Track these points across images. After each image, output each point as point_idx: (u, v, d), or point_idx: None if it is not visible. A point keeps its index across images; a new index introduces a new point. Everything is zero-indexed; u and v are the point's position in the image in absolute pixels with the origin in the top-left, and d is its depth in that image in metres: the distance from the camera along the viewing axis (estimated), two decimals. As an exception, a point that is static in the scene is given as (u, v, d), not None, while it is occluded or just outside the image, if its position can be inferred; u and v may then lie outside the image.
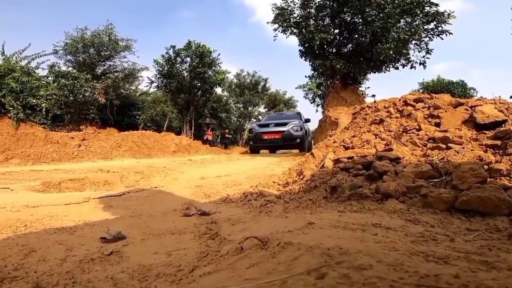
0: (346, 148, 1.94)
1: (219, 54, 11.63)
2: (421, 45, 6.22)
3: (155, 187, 1.73)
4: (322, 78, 8.25)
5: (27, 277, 0.55)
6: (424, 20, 5.94)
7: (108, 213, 1.17)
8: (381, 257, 0.45)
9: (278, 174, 2.08)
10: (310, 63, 7.36)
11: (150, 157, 5.78)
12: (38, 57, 6.84)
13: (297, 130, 7.44)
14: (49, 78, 7.02)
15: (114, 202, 1.35)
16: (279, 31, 6.79)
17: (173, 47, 10.94)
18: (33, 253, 0.69)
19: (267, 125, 7.90)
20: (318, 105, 15.18)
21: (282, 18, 6.58)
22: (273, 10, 6.70)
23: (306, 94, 18.01)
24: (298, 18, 6.53)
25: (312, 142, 8.87)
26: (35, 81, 6.10)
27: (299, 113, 9.63)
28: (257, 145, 7.84)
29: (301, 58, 7.26)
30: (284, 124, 7.69)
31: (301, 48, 7.07)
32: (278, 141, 7.54)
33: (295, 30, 6.63)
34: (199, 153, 7.00)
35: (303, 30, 6.43)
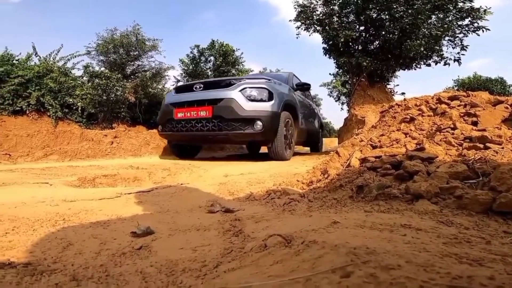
0: (374, 147, 1.88)
1: (242, 53, 11.68)
2: (455, 41, 5.86)
3: (181, 184, 1.78)
4: (348, 76, 7.96)
5: (64, 269, 0.58)
6: (458, 16, 5.59)
7: (137, 208, 1.22)
8: (410, 257, 0.43)
9: (302, 172, 2.06)
10: (335, 61, 7.16)
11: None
12: (73, 58, 7.29)
13: (255, 99, 3.40)
14: (84, 78, 7.46)
15: (143, 197, 1.40)
16: (302, 29, 6.69)
17: (197, 46, 11.17)
18: (70, 247, 0.73)
19: (189, 88, 3.81)
20: (343, 103, 14.80)
21: (304, 15, 6.48)
22: (295, 8, 6.63)
23: (331, 92, 17.66)
24: (321, 15, 6.40)
25: (323, 139, 7.40)
26: (71, 81, 6.51)
27: (290, 75, 5.05)
28: (166, 133, 3.83)
29: (325, 55, 7.09)
30: (226, 85, 3.55)
31: (325, 45, 6.91)
32: (204, 125, 3.40)
33: (318, 28, 6.50)
34: (223, 151, 7.09)
35: (326, 27, 6.29)
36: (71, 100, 6.31)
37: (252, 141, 4.40)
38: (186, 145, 4.44)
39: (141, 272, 0.60)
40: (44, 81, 6.04)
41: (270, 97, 3.53)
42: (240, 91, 3.45)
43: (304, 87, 4.94)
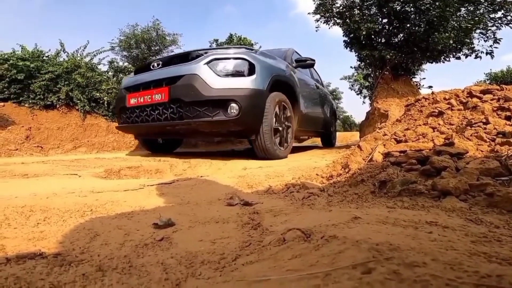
0: (398, 142, 1.81)
1: (260, 47, 11.63)
2: (487, 34, 5.50)
3: (201, 176, 1.81)
4: (370, 69, 7.67)
5: (91, 260, 0.60)
6: (490, 9, 5.24)
7: (159, 200, 1.26)
8: (436, 255, 0.41)
9: (322, 166, 2.03)
10: (356, 54, 6.92)
11: (196, 147, 6.05)
12: (99, 54, 7.58)
13: (229, 74, 2.53)
14: (109, 73, 7.73)
15: (164, 189, 1.44)
16: (321, 22, 6.51)
17: (216, 40, 11.23)
18: (97, 237, 0.76)
19: (147, 67, 3.03)
20: (365, 97, 14.38)
21: (324, 8, 6.30)
22: (314, 0, 6.45)
23: (352, 86, 17.19)
24: (341, 8, 6.19)
25: (336, 132, 6.68)
26: (97, 76, 6.78)
27: (289, 51, 4.12)
28: (121, 125, 3.14)
29: (346, 48, 6.87)
30: (190, 59, 2.72)
31: (346, 38, 6.70)
32: (161, 113, 2.67)
33: (338, 21, 6.30)
34: (242, 144, 7.12)
35: (347, 20, 6.08)
36: (97, 94, 6.58)
37: (228, 133, 2.90)
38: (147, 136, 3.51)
39: (162, 263, 0.61)
40: (72, 76, 6.33)
41: (251, 71, 2.53)
42: (208, 63, 2.51)
43: (306, 63, 3.83)
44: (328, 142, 5.99)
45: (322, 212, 0.97)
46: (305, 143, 7.54)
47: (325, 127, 5.29)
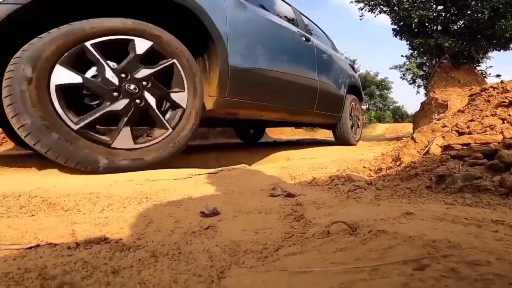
0: (460, 134, 1.64)
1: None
2: None
3: (245, 167, 1.84)
4: (424, 58, 6.99)
5: (146, 246, 0.65)
6: None
7: (206, 189, 1.31)
8: (503, 254, 0.36)
9: (369, 159, 1.92)
10: (408, 42, 6.36)
11: (237, 138, 6.17)
12: None
13: None
14: None
15: (210, 179, 1.49)
16: (365, 10, 6.10)
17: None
18: (151, 224, 0.81)
19: None
20: (419, 86, 13.19)
21: (367, -5, 5.89)
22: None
23: (404, 75, 15.87)
24: (387, -5, 5.73)
25: (354, 127, 3.95)
26: None
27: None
28: None
29: (395, 37, 6.36)
30: None
31: (395, 26, 6.18)
32: None
33: (385, 8, 5.83)
34: (283, 134, 7.07)
35: (395, 8, 5.60)
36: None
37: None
38: None
39: (208, 251, 0.64)
40: None
41: None
42: None
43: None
44: (340, 136, 3.78)
45: (370, 206, 0.92)
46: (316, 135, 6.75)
47: (329, 108, 3.37)
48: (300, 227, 0.78)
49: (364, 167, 1.67)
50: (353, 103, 4.02)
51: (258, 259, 0.59)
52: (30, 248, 0.60)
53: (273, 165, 1.94)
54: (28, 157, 2.16)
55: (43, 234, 0.69)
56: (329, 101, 3.38)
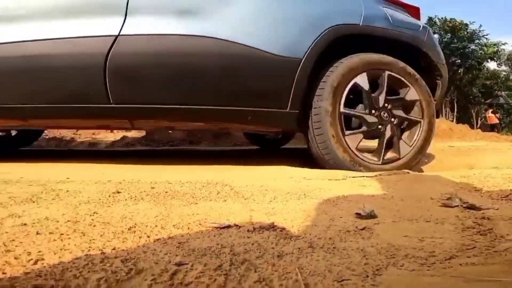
0: None
1: (480, 25, 8.79)
2: None
3: (408, 172, 1.65)
4: None
5: (304, 237, 0.73)
6: None
7: (361, 191, 1.29)
8: None
9: None
10: None
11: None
12: None
13: None
14: None
15: (367, 182, 1.45)
16: None
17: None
18: (308, 218, 0.88)
19: None
20: None
21: None
22: None
23: None
24: None
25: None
26: None
27: None
28: None
29: None
30: None
31: None
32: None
33: None
34: (465, 139, 5.64)
35: None
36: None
37: None
38: None
39: (362, 250, 0.64)
40: None
41: None
42: None
43: None
44: (314, 150, 1.82)
45: None
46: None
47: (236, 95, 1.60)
48: (486, 241, 0.66)
49: None
50: (385, 75, 1.78)
51: (422, 264, 0.56)
52: (224, 227, 0.80)
53: (449, 173, 1.63)
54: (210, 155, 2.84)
55: (232, 217, 0.91)
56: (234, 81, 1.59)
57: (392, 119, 1.80)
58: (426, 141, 1.88)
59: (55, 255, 0.58)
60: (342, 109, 1.71)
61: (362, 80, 1.73)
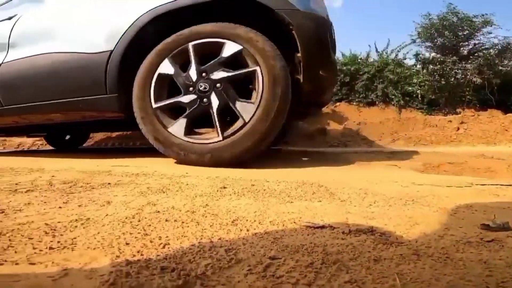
0: None
1: None
2: None
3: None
4: None
5: (409, 244, 0.65)
6: None
7: (491, 201, 1.06)
8: None
9: None
10: None
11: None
12: (401, 49, 7.67)
13: None
14: (417, 66, 7.60)
15: (500, 191, 1.18)
16: None
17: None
18: (416, 226, 0.78)
19: None
20: None
21: None
22: None
23: None
24: None
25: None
26: (406, 71, 6.94)
27: None
28: None
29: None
30: None
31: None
32: None
33: None
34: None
35: None
36: (410, 88, 6.69)
37: None
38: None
39: (485, 262, 0.55)
40: (384, 74, 6.95)
41: None
42: None
43: None
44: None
45: None
46: None
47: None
48: None
49: None
50: (189, 47, 1.78)
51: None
52: (318, 227, 0.79)
53: None
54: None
55: (326, 218, 0.89)
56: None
57: (218, 85, 1.68)
58: (274, 92, 1.60)
59: (177, 240, 0.69)
60: (154, 105, 1.77)
61: (166, 67, 1.77)
